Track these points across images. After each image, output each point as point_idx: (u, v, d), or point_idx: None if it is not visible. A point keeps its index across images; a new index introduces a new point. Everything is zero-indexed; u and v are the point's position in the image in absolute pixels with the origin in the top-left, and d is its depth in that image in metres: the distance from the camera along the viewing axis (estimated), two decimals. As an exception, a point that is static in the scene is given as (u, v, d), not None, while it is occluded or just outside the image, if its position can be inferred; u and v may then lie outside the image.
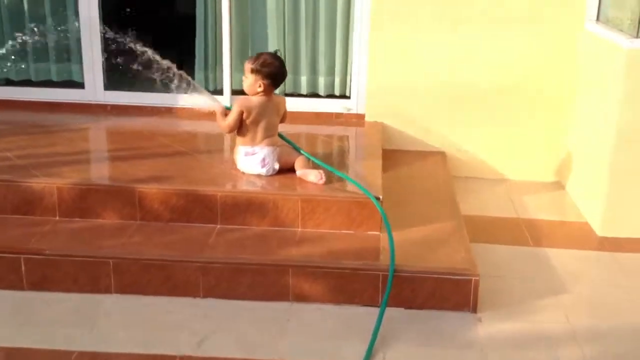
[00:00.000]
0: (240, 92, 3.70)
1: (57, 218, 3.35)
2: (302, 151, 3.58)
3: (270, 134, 3.49)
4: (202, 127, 4.34)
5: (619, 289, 3.20)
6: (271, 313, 2.93)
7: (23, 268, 3.04)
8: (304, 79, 4.62)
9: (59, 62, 4.72)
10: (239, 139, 3.52)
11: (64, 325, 2.82)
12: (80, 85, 4.63)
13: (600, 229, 3.73)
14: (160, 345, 2.70)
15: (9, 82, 4.70)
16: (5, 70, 4.62)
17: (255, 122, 3.45)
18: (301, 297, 3.00)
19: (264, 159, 3.45)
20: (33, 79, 4.74)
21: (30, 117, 4.45)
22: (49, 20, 4.61)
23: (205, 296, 3.02)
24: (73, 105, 4.59)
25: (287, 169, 3.50)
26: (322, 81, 4.61)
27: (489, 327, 2.86)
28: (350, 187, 3.37)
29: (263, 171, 3.46)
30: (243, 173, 3.50)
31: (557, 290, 3.15)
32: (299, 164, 3.49)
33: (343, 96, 4.61)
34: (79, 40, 4.51)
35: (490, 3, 4.21)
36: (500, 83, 4.32)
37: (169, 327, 2.82)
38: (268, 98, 3.46)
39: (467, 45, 4.27)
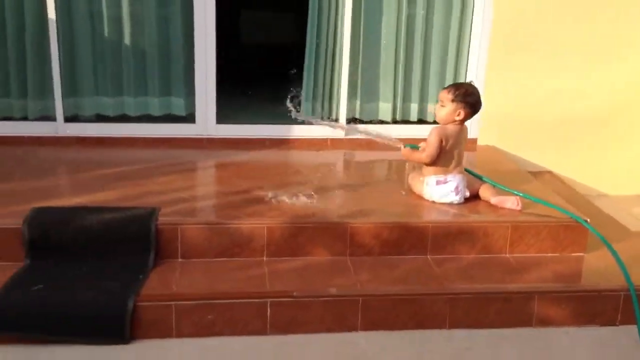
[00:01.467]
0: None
1: (265, 258, 3.25)
2: (484, 178, 3.66)
3: (460, 162, 3.55)
4: (332, 157, 4.35)
5: None
6: (521, 338, 3.00)
7: (269, 312, 2.94)
8: (414, 106, 4.69)
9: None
10: (428, 169, 3.55)
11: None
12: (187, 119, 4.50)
13: None
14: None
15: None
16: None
17: (450, 151, 3.50)
18: (545, 322, 3.08)
19: (457, 187, 3.51)
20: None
21: (153, 154, 4.26)
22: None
23: (450, 327, 3.04)
24: (179, 140, 4.45)
25: (472, 197, 3.59)
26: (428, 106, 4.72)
27: None
28: (547, 210, 3.48)
29: (457, 199, 3.51)
30: (433, 202, 3.54)
31: None
32: (486, 192, 3.57)
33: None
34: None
35: (590, 39, 4.49)
36: (598, 111, 4.63)
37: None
38: (461, 127, 3.52)
39: (567, 78, 4.54)
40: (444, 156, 3.50)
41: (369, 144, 4.48)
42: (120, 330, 2.84)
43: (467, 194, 3.54)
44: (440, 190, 3.52)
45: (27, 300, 2.83)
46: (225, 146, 4.43)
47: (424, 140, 3.57)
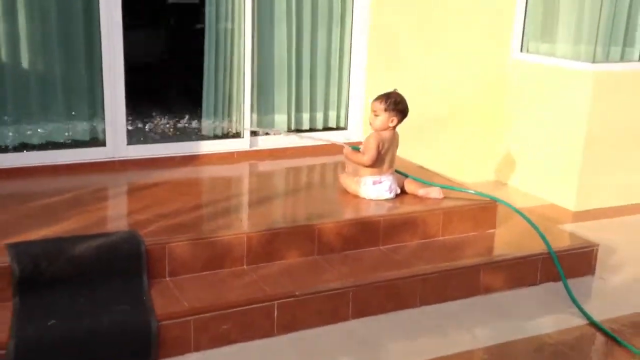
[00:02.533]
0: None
1: (245, 267, 3.45)
2: (410, 176, 4.17)
3: (392, 164, 4.03)
4: (247, 168, 4.59)
5: None
6: (476, 305, 3.58)
7: (276, 313, 3.17)
8: (306, 116, 5.08)
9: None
10: (364, 170, 3.98)
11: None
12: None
13: (574, 205, 5.03)
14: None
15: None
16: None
17: (384, 155, 3.97)
18: (489, 290, 3.69)
19: (390, 186, 3.99)
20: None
21: (73, 181, 4.15)
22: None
23: (421, 305, 3.51)
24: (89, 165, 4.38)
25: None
26: (320, 116, 5.13)
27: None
28: (465, 196, 4.11)
29: (391, 196, 3.99)
30: (370, 200, 3.98)
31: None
32: (411, 186, 4.10)
33: (338, 128, 5.20)
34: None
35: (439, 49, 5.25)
36: (448, 105, 5.38)
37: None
38: (394, 132, 4.00)
39: (427, 81, 5.23)
40: (379, 159, 3.96)
41: (272, 154, 4.84)
42: (147, 352, 2.91)
43: (399, 190, 4.05)
44: (376, 189, 3.97)
45: (49, 338, 2.77)
46: (138, 166, 4.44)
47: (359, 143, 4.01)
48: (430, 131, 5.29)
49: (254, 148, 4.83)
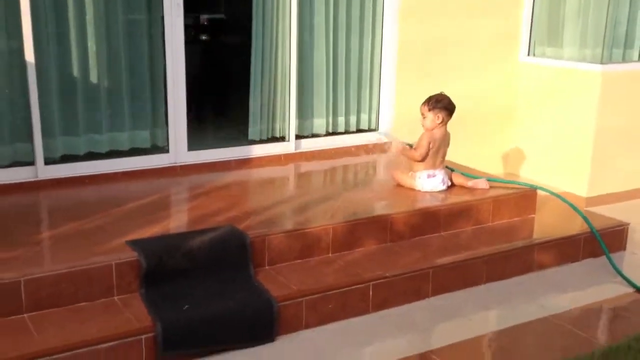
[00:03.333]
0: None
1: (330, 255, 3.80)
2: (456, 170, 4.59)
3: (443, 159, 4.44)
4: (301, 169, 4.95)
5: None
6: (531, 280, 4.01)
7: (371, 293, 3.53)
8: (341, 119, 5.45)
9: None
10: (419, 165, 4.38)
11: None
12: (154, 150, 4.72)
13: (586, 192, 5.52)
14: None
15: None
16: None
17: (436, 151, 4.38)
18: (541, 266, 4.13)
19: (443, 179, 4.40)
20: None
21: (149, 186, 4.43)
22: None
23: (487, 282, 3.93)
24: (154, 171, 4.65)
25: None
26: (354, 119, 5.51)
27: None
28: (506, 185, 4.55)
29: (444, 188, 4.41)
30: (425, 192, 4.38)
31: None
32: (459, 179, 4.51)
33: (369, 130, 5.59)
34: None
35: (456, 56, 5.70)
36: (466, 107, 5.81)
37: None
38: (445, 130, 4.41)
39: (448, 85, 5.65)
40: (433, 155, 4.37)
41: (315, 155, 5.19)
42: (269, 331, 3.24)
43: (450, 183, 4.46)
44: (430, 182, 4.38)
45: (187, 320, 3.08)
46: (198, 171, 4.74)
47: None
48: (451, 130, 5.70)
49: (298, 150, 5.18)
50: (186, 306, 3.15)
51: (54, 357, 2.80)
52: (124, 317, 3.06)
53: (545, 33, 5.98)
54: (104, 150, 4.54)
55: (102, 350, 2.89)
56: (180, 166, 4.72)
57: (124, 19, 4.48)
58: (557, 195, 4.48)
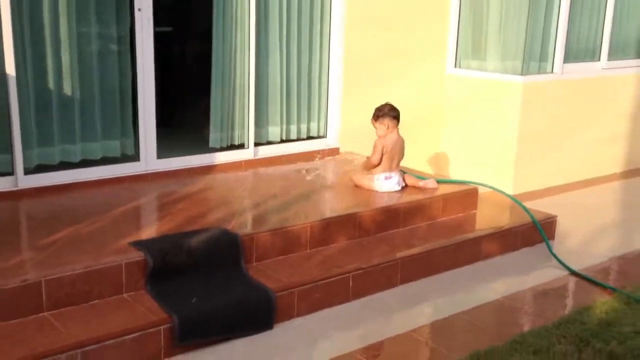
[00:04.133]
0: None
1: (309, 250, 4.18)
2: (406, 172, 5.08)
3: (399, 162, 4.92)
4: (269, 173, 5.28)
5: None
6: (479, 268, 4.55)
7: (351, 283, 3.94)
8: (293, 127, 5.84)
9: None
10: (377, 169, 4.84)
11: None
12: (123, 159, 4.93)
13: (512, 190, 6.16)
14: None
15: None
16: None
17: (392, 155, 4.84)
18: (487, 256, 4.67)
19: (398, 180, 4.88)
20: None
21: (123, 191, 4.64)
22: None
23: (448, 269, 4.42)
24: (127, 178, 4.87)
25: (400, 184, 5.01)
26: (305, 127, 5.91)
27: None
28: (450, 185, 5.08)
29: (398, 188, 4.88)
30: (383, 192, 4.83)
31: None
32: (410, 180, 5.00)
33: (318, 137, 6.00)
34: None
35: (392, 68, 6.22)
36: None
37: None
38: (396, 136, 4.88)
39: (386, 94, 6.17)
40: (388, 159, 4.84)
41: (272, 161, 5.55)
42: (269, 319, 3.59)
43: (404, 184, 4.94)
44: (387, 183, 4.84)
45: (198, 312, 3.38)
46: (167, 177, 4.99)
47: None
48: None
49: (257, 157, 5.52)
50: (194, 299, 3.45)
51: (85, 349, 3.04)
52: (139, 312, 3.32)
53: (470, 47, 6.61)
54: (76, 159, 4.72)
55: (127, 342, 3.15)
56: (151, 173, 4.95)
57: (96, 33, 4.68)
58: (502, 192, 5.06)
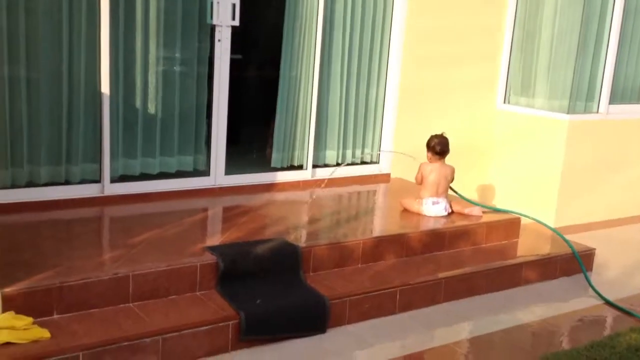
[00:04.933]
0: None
1: (360, 265, 4.59)
2: (462, 196, 5.47)
3: (445, 188, 5.30)
4: (326, 193, 5.71)
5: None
6: (519, 293, 4.88)
7: (398, 297, 4.33)
8: (349, 152, 6.28)
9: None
10: (425, 193, 5.23)
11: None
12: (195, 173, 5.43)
13: (554, 222, 6.46)
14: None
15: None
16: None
17: (436, 182, 5.23)
18: (527, 281, 5.00)
19: (445, 206, 5.26)
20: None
21: (195, 203, 5.16)
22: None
23: (487, 292, 4.76)
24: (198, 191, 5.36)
25: (448, 210, 5.39)
26: (358, 152, 6.35)
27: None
28: (495, 213, 5.43)
29: (445, 213, 5.26)
30: (430, 216, 5.22)
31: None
32: (457, 206, 5.37)
33: (371, 162, 6.42)
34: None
35: (445, 101, 6.63)
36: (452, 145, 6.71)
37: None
38: (440, 165, 5.28)
39: (439, 126, 6.56)
40: (433, 185, 5.23)
41: (328, 182, 5.97)
42: (323, 323, 4.00)
43: (450, 210, 5.31)
44: (435, 208, 5.23)
45: (262, 311, 3.81)
46: (233, 192, 5.47)
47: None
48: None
49: (314, 177, 5.96)
50: (258, 300, 3.88)
51: (165, 336, 3.49)
52: (211, 308, 3.77)
53: (519, 85, 6.97)
54: (155, 172, 5.23)
55: (200, 333, 3.60)
56: (219, 188, 5.44)
57: (179, 59, 5.22)
58: (544, 223, 5.40)
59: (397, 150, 6.04)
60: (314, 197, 5.48)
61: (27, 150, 4.67)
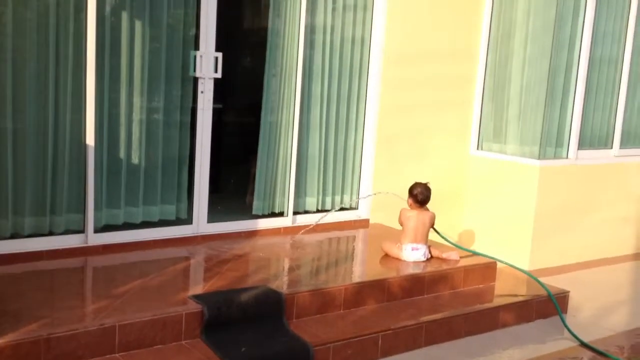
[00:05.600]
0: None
1: (342, 311, 4.67)
2: (445, 237, 5.60)
3: (425, 235, 5.43)
4: (307, 240, 5.80)
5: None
6: (496, 336, 4.99)
7: (380, 342, 4.41)
8: (328, 199, 6.40)
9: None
10: (405, 239, 5.36)
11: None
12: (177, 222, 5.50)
13: (528, 265, 6.62)
14: None
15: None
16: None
17: (415, 228, 5.37)
18: (504, 325, 5.12)
19: (424, 252, 5.39)
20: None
21: (178, 251, 5.23)
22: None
23: (465, 336, 4.87)
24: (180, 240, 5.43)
25: (425, 255, 5.51)
26: (338, 199, 6.47)
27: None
28: (472, 257, 5.57)
29: (424, 259, 5.38)
30: (409, 261, 5.33)
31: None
32: (435, 251, 5.50)
33: (350, 208, 6.54)
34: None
35: (420, 147, 6.82)
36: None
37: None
38: (419, 213, 5.42)
39: (414, 172, 6.74)
40: (412, 231, 5.36)
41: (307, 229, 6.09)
42: (308, 369, 4.05)
43: (429, 255, 5.44)
44: (414, 254, 5.35)
45: (247, 358, 3.86)
46: (215, 239, 5.54)
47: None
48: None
49: (295, 224, 6.06)
50: (243, 349, 3.94)
51: (153, 386, 3.54)
52: (197, 357, 3.82)
53: (491, 131, 7.19)
54: (138, 221, 5.30)
55: (187, 382, 3.65)
56: (202, 236, 5.51)
57: (162, 109, 5.33)
58: (518, 268, 5.55)
59: (378, 192, 6.17)
60: (296, 242, 5.58)
61: (12, 201, 4.72)
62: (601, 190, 7.13)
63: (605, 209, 7.19)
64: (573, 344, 4.93)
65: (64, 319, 3.75)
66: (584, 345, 4.89)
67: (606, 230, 7.22)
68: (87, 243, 4.96)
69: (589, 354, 4.80)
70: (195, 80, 5.35)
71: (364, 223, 6.51)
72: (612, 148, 7.35)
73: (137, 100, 5.17)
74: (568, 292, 5.55)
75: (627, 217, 7.45)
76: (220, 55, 5.37)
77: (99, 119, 4.97)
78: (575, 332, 5.01)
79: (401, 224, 5.47)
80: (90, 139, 4.90)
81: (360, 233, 6.29)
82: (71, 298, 4.14)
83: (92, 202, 4.96)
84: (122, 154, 5.17)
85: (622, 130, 7.40)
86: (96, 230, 5.02)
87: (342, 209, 6.52)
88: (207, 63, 5.34)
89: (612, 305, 5.86)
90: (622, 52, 7.26)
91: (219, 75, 5.40)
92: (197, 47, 5.33)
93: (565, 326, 5.12)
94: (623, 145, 7.43)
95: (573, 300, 5.68)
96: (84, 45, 4.83)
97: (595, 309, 5.72)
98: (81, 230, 4.98)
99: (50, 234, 4.90)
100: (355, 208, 6.58)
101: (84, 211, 4.96)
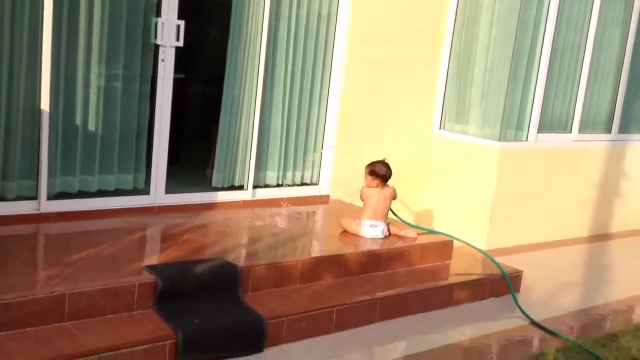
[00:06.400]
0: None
1: (298, 285, 4.67)
2: (400, 218, 5.61)
3: (385, 212, 5.44)
4: (266, 213, 5.78)
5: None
6: (449, 312, 5.05)
7: (334, 317, 4.42)
8: (289, 174, 6.37)
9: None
10: (364, 215, 5.36)
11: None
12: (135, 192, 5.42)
13: (484, 245, 6.70)
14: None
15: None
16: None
17: (375, 205, 5.38)
18: (457, 302, 5.17)
19: (383, 229, 5.40)
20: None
21: (135, 221, 5.15)
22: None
23: (417, 312, 4.91)
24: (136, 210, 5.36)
25: (383, 232, 5.53)
26: (299, 174, 6.45)
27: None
28: (429, 235, 5.61)
29: (382, 236, 5.40)
30: (367, 238, 5.35)
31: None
32: (393, 228, 5.53)
33: (311, 184, 6.53)
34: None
35: (383, 126, 6.83)
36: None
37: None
38: (381, 189, 5.43)
39: (378, 150, 6.75)
40: (372, 208, 5.37)
41: (268, 203, 6.06)
42: (261, 343, 4.06)
43: (388, 232, 5.46)
44: (373, 230, 5.36)
45: (200, 330, 3.84)
46: (173, 211, 5.48)
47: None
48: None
49: (255, 198, 6.03)
50: (197, 320, 3.91)
51: (102, 355, 3.49)
52: (148, 327, 3.78)
53: (454, 112, 7.23)
54: (93, 189, 5.21)
55: (137, 352, 3.61)
56: (159, 206, 5.44)
57: (122, 77, 5.21)
58: (474, 246, 5.60)
59: (336, 173, 6.18)
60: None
61: (-37, 165, 4.61)
62: (559, 174, 7.23)
63: (562, 192, 7.29)
64: (524, 322, 5.01)
65: (13, 285, 3.67)
66: (534, 323, 4.97)
67: (562, 213, 7.34)
68: (39, 210, 4.86)
69: (539, 332, 4.88)
70: (157, 48, 5.24)
71: (324, 199, 6.50)
72: (571, 132, 7.44)
73: (95, 66, 5.05)
74: (522, 272, 5.63)
75: (582, 200, 7.58)
76: (182, 23, 5.26)
77: (54, 85, 4.85)
78: (527, 311, 5.09)
79: (362, 200, 5.47)
80: (45, 104, 4.78)
81: (320, 209, 6.29)
82: (21, 265, 4.07)
83: (46, 169, 4.85)
84: (78, 120, 5.06)
85: (581, 116, 7.49)
86: (49, 198, 4.92)
87: (303, 184, 6.51)
88: (169, 30, 5.23)
89: (564, 286, 5.97)
90: (585, 40, 7.33)
91: (180, 43, 5.29)
92: (159, 14, 5.22)
93: (517, 305, 5.20)
94: (582, 130, 7.52)
95: (526, 280, 5.77)
96: (41, 6, 4.69)
97: (548, 289, 5.82)
98: (34, 197, 4.87)
99: (2, 199, 4.78)
100: (316, 184, 6.56)
101: (37, 177, 4.85)
